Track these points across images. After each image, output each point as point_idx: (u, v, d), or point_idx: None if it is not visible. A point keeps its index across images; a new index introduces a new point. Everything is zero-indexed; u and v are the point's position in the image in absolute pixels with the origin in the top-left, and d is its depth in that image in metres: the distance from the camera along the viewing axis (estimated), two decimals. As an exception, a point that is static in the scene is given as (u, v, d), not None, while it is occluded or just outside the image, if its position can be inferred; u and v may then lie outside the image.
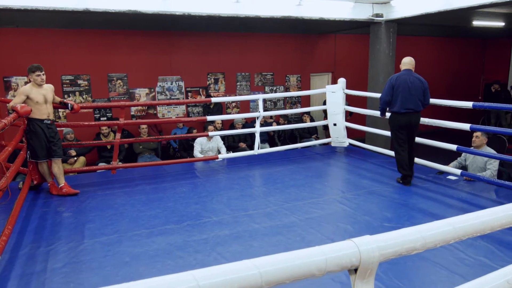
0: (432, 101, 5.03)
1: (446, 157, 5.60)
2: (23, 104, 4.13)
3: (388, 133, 6.11)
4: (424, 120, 5.00)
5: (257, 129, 6.17)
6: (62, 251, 3.18)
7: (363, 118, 8.17)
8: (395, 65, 8.42)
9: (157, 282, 0.92)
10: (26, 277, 2.82)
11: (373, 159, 6.07)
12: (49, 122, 4.47)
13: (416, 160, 5.26)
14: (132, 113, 9.10)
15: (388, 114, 4.97)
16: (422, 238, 1.28)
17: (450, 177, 5.00)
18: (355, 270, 1.20)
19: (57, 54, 8.17)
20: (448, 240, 1.35)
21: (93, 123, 7.20)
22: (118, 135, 5.41)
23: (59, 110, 8.12)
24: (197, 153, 6.94)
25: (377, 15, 7.80)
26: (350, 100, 7.05)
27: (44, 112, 4.41)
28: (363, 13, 7.79)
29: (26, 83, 7.86)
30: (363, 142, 6.86)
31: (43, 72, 4.38)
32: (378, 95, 6.60)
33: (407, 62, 4.68)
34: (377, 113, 6.29)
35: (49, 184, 4.63)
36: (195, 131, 8.20)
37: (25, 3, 5.49)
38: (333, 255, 1.13)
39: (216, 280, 0.97)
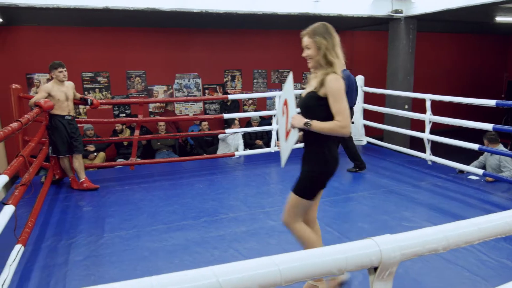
0: (454, 99, 4.94)
1: (467, 156, 5.48)
2: (46, 99, 4.22)
3: (407, 131, 6.04)
4: (445, 120, 4.91)
5: (274, 126, 6.16)
6: (83, 245, 3.25)
7: (381, 116, 8.05)
8: (415, 62, 8.29)
9: (178, 277, 0.93)
10: (48, 268, 2.89)
11: (391, 157, 5.99)
12: (70, 118, 4.56)
13: (436, 159, 5.18)
14: (150, 110, 9.20)
15: None
16: (445, 238, 1.26)
17: (471, 177, 4.89)
18: (375, 269, 1.19)
19: (77, 52, 8.31)
20: (472, 241, 1.32)
21: (112, 119, 7.32)
22: (137, 132, 5.48)
23: (80, 106, 8.27)
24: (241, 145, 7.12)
25: (397, 11, 7.67)
26: (368, 97, 6.95)
27: (65, 108, 4.50)
28: (382, 9, 7.67)
29: (48, 80, 8.04)
30: (381, 140, 6.77)
31: (65, 69, 4.47)
32: (397, 92, 6.54)
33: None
34: (395, 111, 6.23)
35: (70, 179, 4.73)
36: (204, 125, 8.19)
37: (47, 1, 5.61)
38: (353, 254, 1.12)
39: (236, 276, 0.97)
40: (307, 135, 2.26)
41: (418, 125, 6.28)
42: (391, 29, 8.10)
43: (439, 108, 6.06)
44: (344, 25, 9.74)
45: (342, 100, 2.11)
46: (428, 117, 5.20)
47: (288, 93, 2.30)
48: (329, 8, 7.19)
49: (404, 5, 7.70)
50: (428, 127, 5.22)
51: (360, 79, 6.36)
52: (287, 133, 2.30)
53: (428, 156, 5.30)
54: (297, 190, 2.31)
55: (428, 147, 5.27)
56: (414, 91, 7.50)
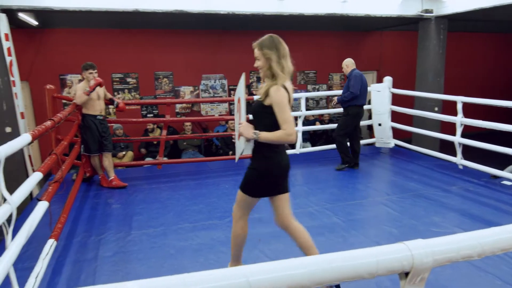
0: (487, 101, 4.78)
1: (501, 161, 5.27)
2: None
3: (437, 134, 5.87)
4: (477, 123, 4.75)
5: (299, 128, 6.14)
6: (111, 241, 3.34)
7: (410, 118, 7.87)
8: (446, 63, 8.06)
9: (208, 276, 0.94)
10: (79, 263, 2.99)
11: (420, 160, 5.85)
12: (101, 117, 4.70)
13: (468, 163, 5.02)
14: (177, 110, 9.35)
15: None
16: (480, 245, 1.21)
17: (505, 182, 4.70)
18: (406, 274, 1.16)
19: (108, 53, 8.55)
20: (509, 248, 1.27)
21: (140, 119, 7.48)
22: (164, 132, 5.58)
23: (109, 106, 8.50)
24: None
25: (427, 11, 7.48)
26: (397, 99, 6.80)
27: (97, 108, 4.64)
28: (411, 9, 7.50)
29: (80, 80, 8.30)
30: (409, 143, 6.61)
31: (96, 71, 4.60)
32: (427, 94, 6.37)
33: (354, 62, 5.39)
34: (425, 113, 6.07)
35: (100, 177, 4.87)
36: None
37: (80, 5, 5.80)
38: (384, 258, 1.10)
39: (265, 276, 0.97)
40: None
41: (449, 128, 6.11)
42: (421, 29, 7.91)
43: (470, 110, 5.86)
44: (372, 25, 9.59)
45: (286, 109, 2.25)
46: (460, 119, 5.05)
47: (240, 94, 2.43)
48: (357, 8, 7.10)
49: (435, 4, 7.51)
50: (459, 130, 5.06)
51: (388, 81, 6.24)
52: (239, 135, 2.40)
53: (459, 160, 5.14)
54: (241, 186, 2.50)
55: (459, 150, 5.11)
56: (445, 93, 7.29)
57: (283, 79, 2.31)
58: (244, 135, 2.30)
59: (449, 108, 6.81)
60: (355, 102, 5.26)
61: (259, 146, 2.35)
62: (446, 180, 4.88)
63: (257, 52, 2.36)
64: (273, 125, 2.26)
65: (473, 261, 2.64)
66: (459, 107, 5.06)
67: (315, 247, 2.47)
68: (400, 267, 1.12)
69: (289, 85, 2.35)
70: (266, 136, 2.26)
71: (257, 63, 2.37)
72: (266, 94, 2.29)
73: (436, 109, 7.61)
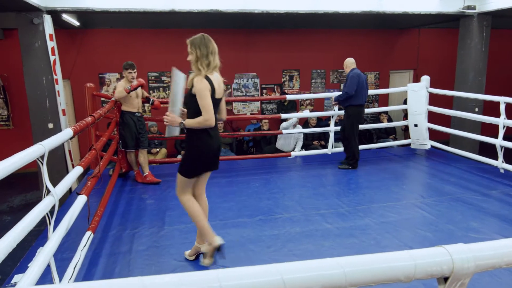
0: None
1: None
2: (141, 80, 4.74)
3: (477, 136, 5.63)
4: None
5: (332, 128, 6.06)
6: (145, 235, 3.43)
7: (448, 119, 7.59)
8: (488, 62, 7.71)
9: (242, 272, 0.94)
10: (114, 256, 3.09)
11: (458, 163, 5.62)
12: (139, 115, 4.85)
13: (510, 167, 4.78)
14: (210, 108, 9.46)
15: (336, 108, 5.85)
16: (526, 252, 1.15)
17: (551, 187, 4.45)
18: (445, 279, 1.13)
19: (144, 52, 8.79)
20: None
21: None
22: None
23: (145, 104, 8.74)
24: (278, 144, 7.10)
25: (469, 8, 7.18)
26: (434, 99, 6.58)
27: (135, 105, 4.80)
28: (452, 5, 7.22)
29: (117, 79, 8.59)
30: (447, 144, 6.38)
31: (135, 70, 4.75)
32: (467, 94, 6.11)
33: (354, 62, 5.39)
34: (464, 114, 5.83)
35: (135, 172, 5.02)
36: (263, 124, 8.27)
37: (119, 5, 6.00)
38: (423, 261, 1.06)
39: (299, 275, 0.96)
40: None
41: (490, 130, 5.84)
42: (462, 26, 7.60)
43: (514, 112, 5.58)
44: (409, 22, 9.32)
45: (205, 97, 2.59)
46: (502, 121, 4.81)
47: (175, 87, 2.75)
48: (394, 6, 6.92)
49: (478, 0, 7.18)
50: (501, 132, 4.83)
51: (425, 80, 6.04)
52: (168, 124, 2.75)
53: (500, 163, 4.90)
54: (179, 169, 2.83)
55: (500, 154, 4.87)
56: (486, 93, 6.97)
57: (209, 72, 2.66)
58: (170, 124, 2.70)
59: (491, 109, 6.50)
60: (353, 101, 5.27)
61: (190, 132, 2.70)
62: (485, 184, 4.67)
63: (188, 48, 2.68)
64: (199, 111, 2.61)
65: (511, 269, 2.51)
66: (502, 108, 4.83)
67: (211, 233, 2.75)
68: (439, 271, 1.08)
69: (216, 77, 2.71)
70: (189, 122, 2.64)
71: (189, 57, 2.69)
72: (192, 84, 2.65)
73: (476, 109, 7.30)
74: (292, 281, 0.93)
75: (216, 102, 2.69)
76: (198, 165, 2.76)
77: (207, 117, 2.59)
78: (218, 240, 2.73)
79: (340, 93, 5.50)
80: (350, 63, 5.37)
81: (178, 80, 2.76)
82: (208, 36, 2.74)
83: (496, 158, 4.96)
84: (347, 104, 5.35)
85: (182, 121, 2.66)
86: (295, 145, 7.07)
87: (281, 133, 6.47)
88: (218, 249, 2.71)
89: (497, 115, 4.89)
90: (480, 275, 2.51)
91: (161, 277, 0.88)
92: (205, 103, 2.58)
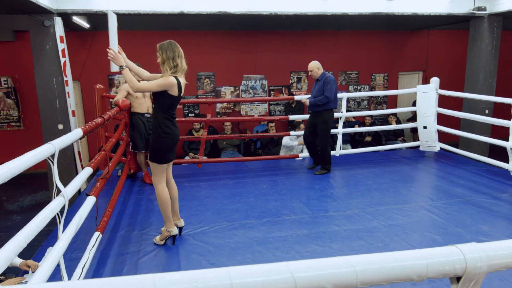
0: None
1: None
2: (124, 99, 4.56)
3: (487, 139, 5.56)
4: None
5: (340, 129, 6.04)
6: (153, 236, 3.45)
7: (457, 121, 7.51)
8: (498, 63, 7.62)
9: (253, 270, 0.94)
10: (122, 256, 3.11)
11: (467, 166, 5.56)
12: (148, 115, 4.88)
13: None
14: (218, 110, 9.50)
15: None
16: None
17: None
18: (458, 279, 1.11)
19: (152, 54, 8.81)
20: None
21: (182, 119, 7.65)
22: (205, 132, 5.70)
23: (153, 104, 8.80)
24: (282, 153, 7.07)
25: (480, 9, 7.11)
26: (443, 101, 6.52)
27: (144, 106, 4.82)
28: (462, 6, 7.16)
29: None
30: (456, 147, 6.31)
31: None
32: (477, 96, 6.05)
33: (321, 66, 5.28)
34: (474, 116, 5.76)
35: (143, 173, 5.05)
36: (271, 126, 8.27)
37: (129, 8, 6.05)
38: (435, 260, 1.05)
39: (311, 273, 0.96)
40: (152, 117, 3.21)
41: (500, 132, 5.76)
42: (472, 27, 7.53)
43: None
44: (419, 24, 9.25)
45: (155, 83, 2.97)
46: (513, 123, 4.75)
47: (111, 26, 3.34)
48: (403, 7, 6.88)
49: (488, 1, 7.11)
50: (512, 135, 4.77)
51: (435, 81, 5.99)
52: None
53: (511, 166, 4.84)
54: (149, 156, 3.16)
55: (511, 156, 4.81)
56: (497, 94, 6.89)
57: (178, 74, 3.05)
58: (114, 62, 3.03)
59: (502, 111, 6.43)
60: (331, 105, 5.15)
61: (158, 125, 3.06)
62: (496, 187, 4.62)
63: (157, 52, 3.08)
64: (163, 105, 3.03)
65: (525, 275, 2.47)
66: (513, 110, 4.77)
67: (172, 222, 3.25)
68: (452, 270, 1.07)
69: (182, 80, 3.10)
70: (126, 73, 2.97)
71: (158, 60, 3.07)
72: None
73: (486, 112, 7.22)
74: (303, 280, 0.93)
75: (178, 100, 3.10)
76: (169, 150, 3.14)
77: (132, 85, 2.96)
78: (175, 231, 3.26)
79: (309, 96, 5.43)
80: (319, 65, 5.20)
81: (112, 21, 3.23)
82: (175, 42, 3.15)
83: (506, 161, 4.90)
84: (324, 108, 5.15)
85: (123, 65, 3.00)
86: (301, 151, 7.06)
87: (289, 134, 6.45)
88: (173, 238, 3.25)
89: (508, 117, 4.83)
90: (490, 279, 2.48)
91: (172, 274, 0.89)
92: (150, 85, 2.96)
